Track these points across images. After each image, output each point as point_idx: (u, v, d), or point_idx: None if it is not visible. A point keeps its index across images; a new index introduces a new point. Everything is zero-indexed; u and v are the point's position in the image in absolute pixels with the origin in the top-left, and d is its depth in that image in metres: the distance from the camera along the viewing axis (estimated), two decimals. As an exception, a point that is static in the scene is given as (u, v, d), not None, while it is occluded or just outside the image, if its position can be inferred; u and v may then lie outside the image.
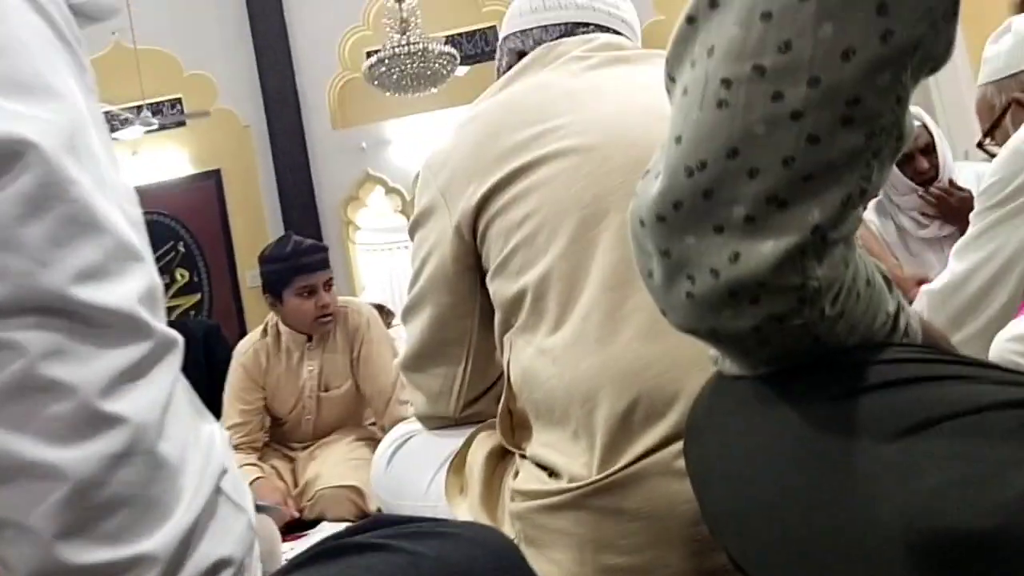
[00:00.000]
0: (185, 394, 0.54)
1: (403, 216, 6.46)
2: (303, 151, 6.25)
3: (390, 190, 6.38)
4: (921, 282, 2.04)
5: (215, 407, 2.48)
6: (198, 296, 6.30)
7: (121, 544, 0.46)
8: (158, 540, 0.47)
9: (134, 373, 0.48)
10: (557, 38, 1.16)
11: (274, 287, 2.46)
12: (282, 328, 2.53)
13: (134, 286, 0.49)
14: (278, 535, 1.01)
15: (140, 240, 0.52)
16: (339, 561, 0.58)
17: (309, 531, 2.20)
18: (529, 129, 1.00)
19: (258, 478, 2.33)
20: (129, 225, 0.51)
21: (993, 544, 0.43)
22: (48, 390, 0.45)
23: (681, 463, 0.74)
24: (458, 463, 1.12)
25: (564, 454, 0.93)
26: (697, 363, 0.81)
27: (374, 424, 2.67)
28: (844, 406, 0.51)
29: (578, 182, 0.96)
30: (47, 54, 0.50)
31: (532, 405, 0.98)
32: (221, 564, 0.51)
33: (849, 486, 0.49)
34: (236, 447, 2.42)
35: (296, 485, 2.43)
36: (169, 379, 0.51)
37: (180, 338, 0.53)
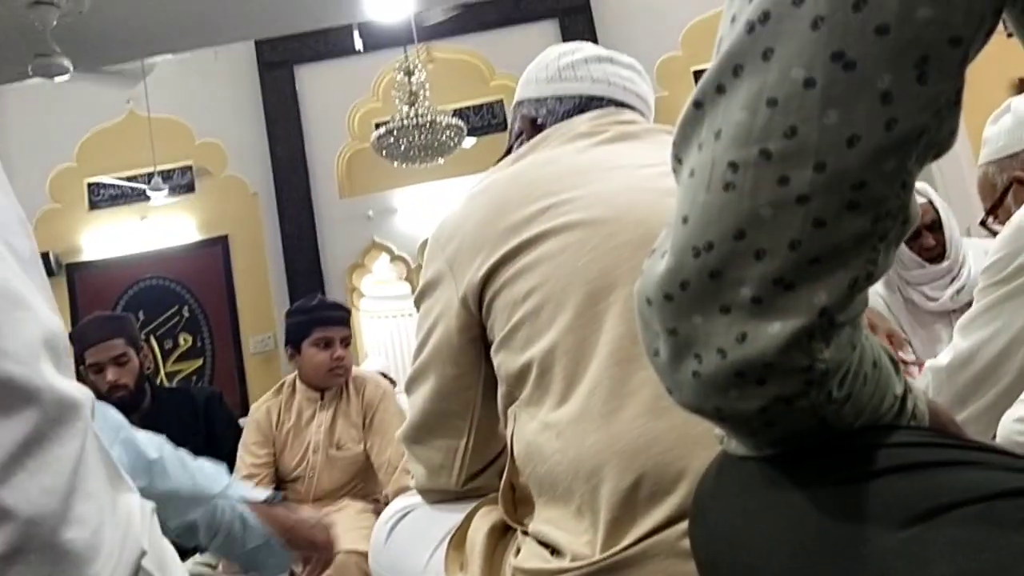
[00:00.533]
0: (99, 462, 0.47)
1: (407, 283, 6.48)
2: (310, 218, 6.31)
3: (395, 257, 6.41)
4: (890, 334, 2.03)
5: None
6: (200, 361, 6.28)
7: None
8: None
9: (26, 451, 0.41)
10: (571, 109, 1.18)
11: (294, 337, 2.61)
12: (298, 385, 2.65)
13: (23, 340, 0.43)
14: None
15: (32, 280, 0.45)
16: None
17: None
18: (536, 204, 1.01)
19: None
20: (16, 262, 0.45)
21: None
22: None
23: (686, 543, 0.73)
24: (459, 538, 1.10)
25: (567, 532, 0.91)
26: (703, 441, 0.80)
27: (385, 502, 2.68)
28: (852, 491, 0.50)
29: (584, 256, 0.96)
30: None
31: (535, 480, 0.97)
32: None
33: (857, 573, 0.48)
34: None
35: None
36: (72, 451, 0.44)
37: (85, 398, 0.47)
